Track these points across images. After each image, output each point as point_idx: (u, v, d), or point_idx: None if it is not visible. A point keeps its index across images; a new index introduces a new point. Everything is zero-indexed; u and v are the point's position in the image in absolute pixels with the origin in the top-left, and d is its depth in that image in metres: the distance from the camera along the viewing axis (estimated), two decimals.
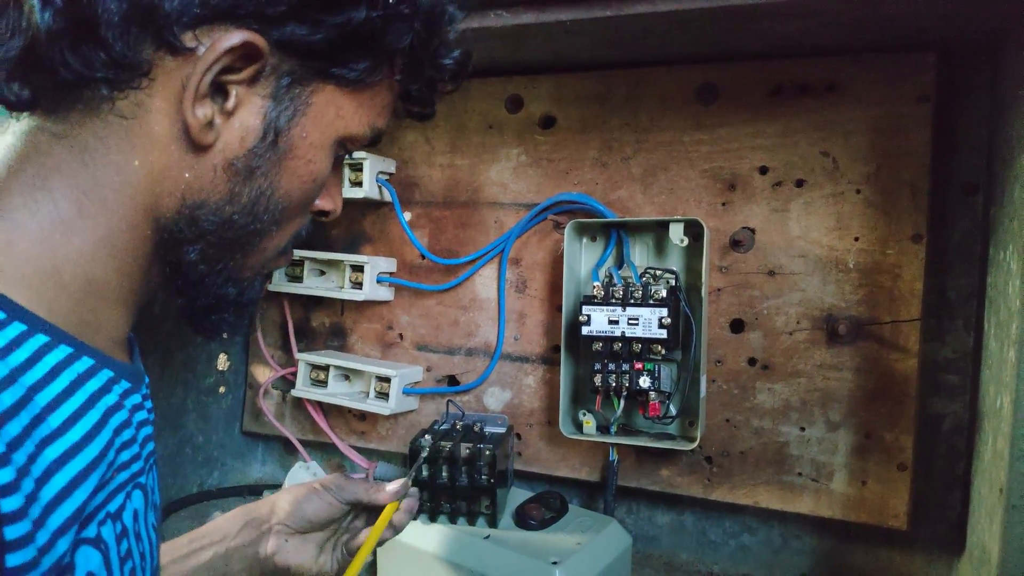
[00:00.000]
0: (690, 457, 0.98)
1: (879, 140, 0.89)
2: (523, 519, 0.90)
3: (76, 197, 0.43)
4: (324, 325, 1.21)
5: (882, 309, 0.89)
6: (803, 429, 0.93)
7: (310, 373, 1.16)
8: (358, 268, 1.10)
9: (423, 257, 1.11)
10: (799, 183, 0.93)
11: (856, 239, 0.91)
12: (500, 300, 1.07)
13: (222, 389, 1.25)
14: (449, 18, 0.52)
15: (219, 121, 0.45)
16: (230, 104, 0.44)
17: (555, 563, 0.81)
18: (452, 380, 1.11)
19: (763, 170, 0.95)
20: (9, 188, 0.42)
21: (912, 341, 0.88)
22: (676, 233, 0.92)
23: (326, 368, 1.14)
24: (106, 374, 0.44)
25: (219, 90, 0.44)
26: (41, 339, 0.40)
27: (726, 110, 0.96)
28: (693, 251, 0.95)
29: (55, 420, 0.39)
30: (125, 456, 0.46)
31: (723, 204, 0.97)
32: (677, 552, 1.04)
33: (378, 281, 1.11)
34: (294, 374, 1.16)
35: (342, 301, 1.18)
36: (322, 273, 1.16)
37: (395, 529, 0.73)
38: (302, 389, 1.15)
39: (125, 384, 0.47)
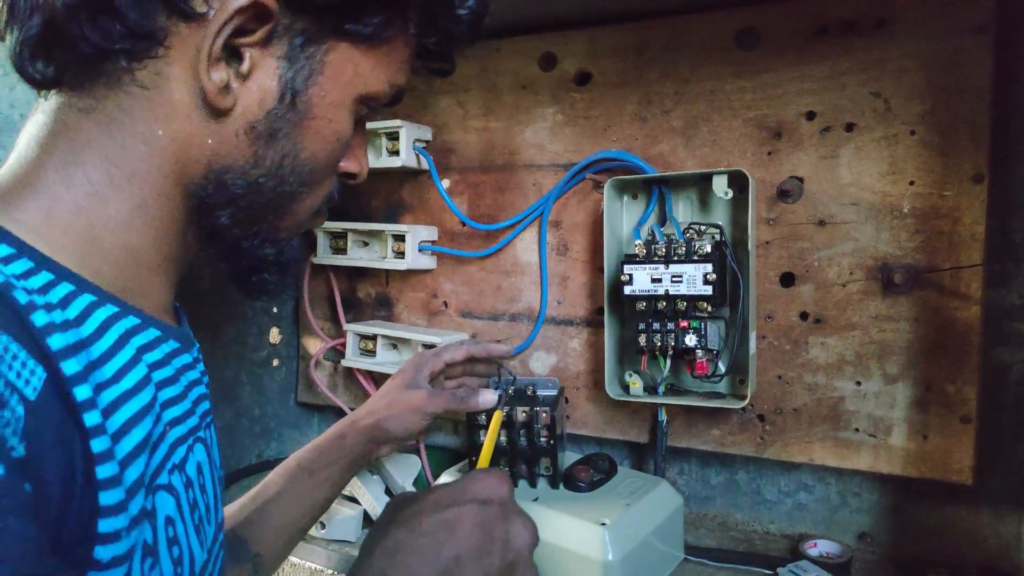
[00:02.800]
0: (741, 415, 0.96)
1: (934, 76, 0.84)
2: (572, 481, 0.89)
3: (107, 168, 0.44)
4: (370, 296, 1.22)
5: (941, 255, 0.85)
6: (859, 383, 0.89)
7: (359, 343, 1.17)
8: (399, 238, 1.10)
9: (463, 224, 1.10)
10: (849, 127, 0.89)
11: (911, 183, 0.86)
12: (542, 264, 1.06)
13: (275, 362, 1.28)
14: None
15: (236, 85, 0.45)
16: (245, 67, 0.45)
17: (603, 524, 0.80)
18: None
19: (810, 115, 0.91)
20: (43, 163, 0.43)
21: (974, 288, 0.83)
22: (720, 186, 0.89)
23: (374, 338, 1.15)
24: (152, 332, 0.46)
25: (234, 54, 0.44)
26: (88, 298, 0.41)
27: (769, 54, 0.92)
28: (739, 204, 0.91)
29: (109, 370, 0.41)
30: (176, 411, 0.47)
31: (769, 153, 0.93)
32: (731, 511, 1.03)
33: (420, 250, 1.11)
34: (344, 345, 1.18)
35: (386, 271, 1.18)
36: (365, 244, 1.17)
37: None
38: (352, 359, 1.16)
39: (173, 344, 0.49)
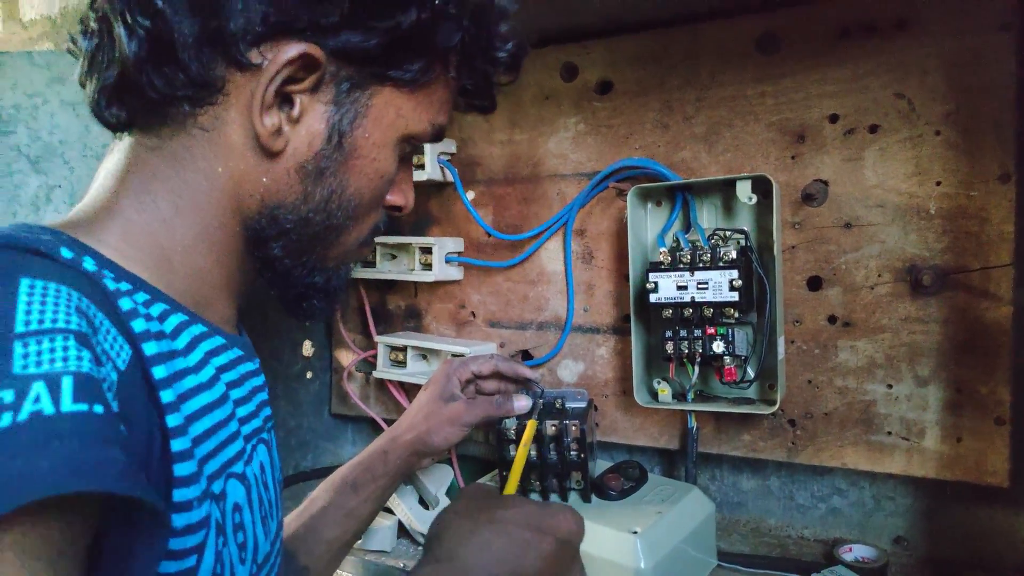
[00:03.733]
0: (772, 420, 0.95)
1: (957, 76, 0.83)
2: (602, 490, 0.90)
3: (173, 199, 0.49)
4: (400, 307, 1.24)
5: (969, 256, 0.84)
6: (890, 386, 0.89)
7: (389, 355, 1.19)
8: (427, 250, 1.11)
9: (488, 235, 1.11)
10: (873, 129, 0.88)
11: (938, 183, 0.85)
12: (567, 272, 1.07)
13: (309, 374, 1.30)
14: (500, 12, 0.55)
15: (287, 128, 0.49)
16: (296, 112, 0.49)
17: (635, 532, 0.80)
18: (525, 355, 1.12)
19: (833, 118, 0.90)
20: (120, 194, 0.48)
21: (1004, 288, 0.82)
22: (744, 191, 0.89)
23: (404, 349, 1.16)
24: (219, 340, 0.51)
25: (286, 100, 0.48)
26: (163, 306, 0.46)
27: (790, 59, 0.92)
28: (763, 209, 0.91)
29: (182, 363, 0.45)
30: (242, 411, 0.52)
31: (792, 157, 0.93)
32: (764, 517, 1.03)
33: (447, 261, 1.12)
34: (375, 356, 1.20)
35: (415, 283, 1.20)
36: (393, 257, 1.18)
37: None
38: (383, 370, 1.18)
39: (238, 351, 0.53)
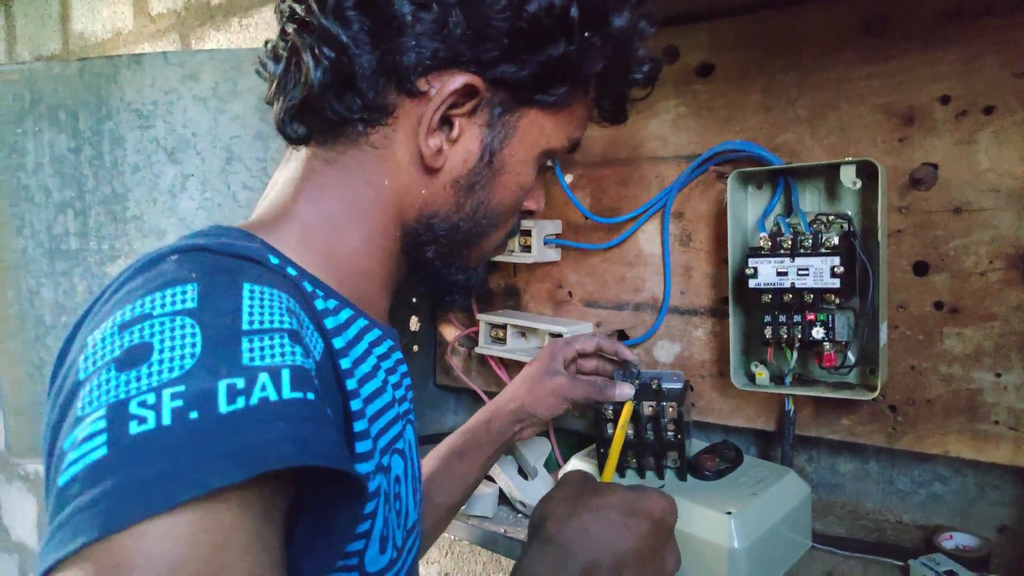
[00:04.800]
0: (872, 406, 0.95)
1: None
2: (697, 470, 0.92)
3: (344, 208, 0.55)
4: (500, 287, 1.28)
5: None
6: (999, 375, 0.87)
7: (490, 332, 1.24)
8: (526, 232, 1.15)
9: (586, 218, 1.14)
10: (987, 110, 0.85)
11: None
12: (665, 254, 1.08)
13: (416, 348, 1.37)
14: (640, 35, 0.59)
15: (446, 148, 0.55)
16: (455, 133, 0.55)
17: (729, 513, 0.83)
18: (621, 335, 1.15)
19: (944, 99, 0.88)
20: (297, 199, 0.55)
21: None
22: (848, 176, 0.88)
23: (504, 327, 1.21)
24: (377, 332, 0.57)
25: (446, 122, 0.54)
26: (335, 302, 0.52)
27: (898, 39, 0.90)
28: (868, 193, 0.90)
29: (356, 352, 0.52)
30: (398, 394, 0.59)
31: (900, 140, 0.91)
32: (862, 500, 1.03)
33: (545, 243, 1.16)
34: (477, 333, 1.25)
35: (514, 264, 1.24)
36: None
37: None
38: (484, 346, 1.23)
39: (390, 342, 0.60)
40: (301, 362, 0.40)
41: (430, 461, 0.88)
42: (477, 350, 1.24)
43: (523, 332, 1.21)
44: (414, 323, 1.36)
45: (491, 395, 1.32)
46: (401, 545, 0.55)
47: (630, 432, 0.89)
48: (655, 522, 0.54)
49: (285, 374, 0.38)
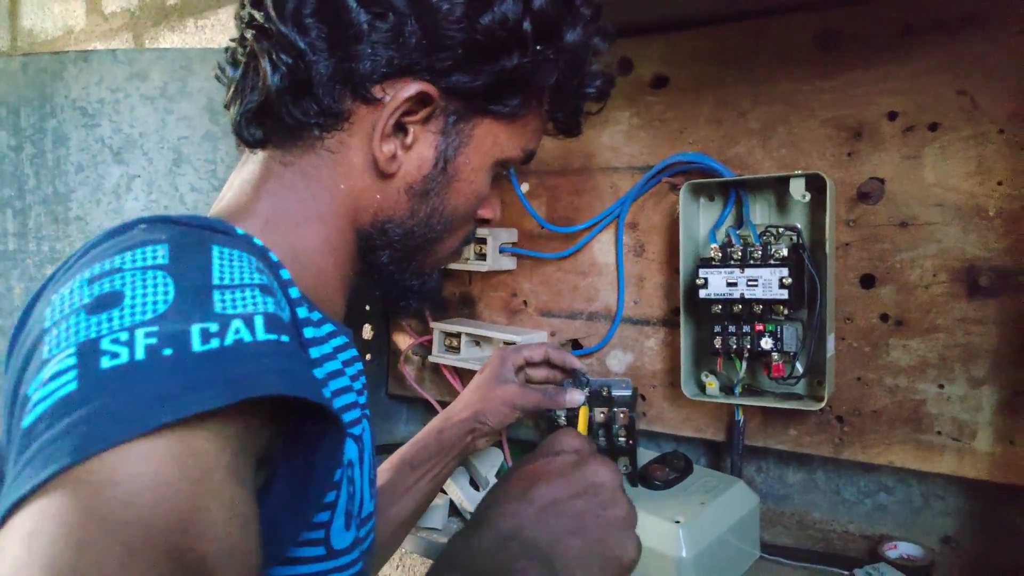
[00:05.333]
0: (819, 416, 0.96)
1: None
2: (647, 479, 0.92)
3: (302, 209, 0.56)
4: (455, 295, 1.27)
5: None
6: (942, 387, 0.88)
7: (444, 340, 1.22)
8: (481, 240, 1.14)
9: (541, 227, 1.13)
10: (933, 127, 0.87)
11: (999, 183, 0.84)
12: (619, 265, 1.08)
13: (368, 356, 1.35)
14: (594, 51, 0.61)
15: (401, 154, 0.56)
16: (409, 140, 0.56)
17: (678, 522, 0.82)
18: (575, 344, 1.14)
19: (892, 115, 0.90)
20: (258, 197, 0.56)
21: None
22: (797, 189, 0.89)
23: (458, 335, 1.20)
24: (330, 327, 0.57)
25: (400, 129, 0.55)
26: (296, 292, 0.52)
27: (850, 55, 0.91)
28: (817, 206, 0.91)
29: (315, 333, 0.52)
30: (357, 385, 0.58)
31: (849, 154, 0.93)
32: (809, 511, 1.03)
33: (500, 252, 1.15)
34: (430, 341, 1.24)
35: (469, 272, 1.23)
36: None
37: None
38: (438, 355, 1.22)
39: (344, 339, 0.59)
40: (274, 310, 0.40)
41: (382, 473, 0.85)
42: (431, 359, 1.23)
43: (477, 341, 1.20)
44: (367, 331, 1.34)
45: (444, 405, 1.30)
46: (359, 525, 0.54)
47: None
48: (594, 485, 0.51)
49: (258, 319, 0.38)
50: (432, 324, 1.23)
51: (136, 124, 1.05)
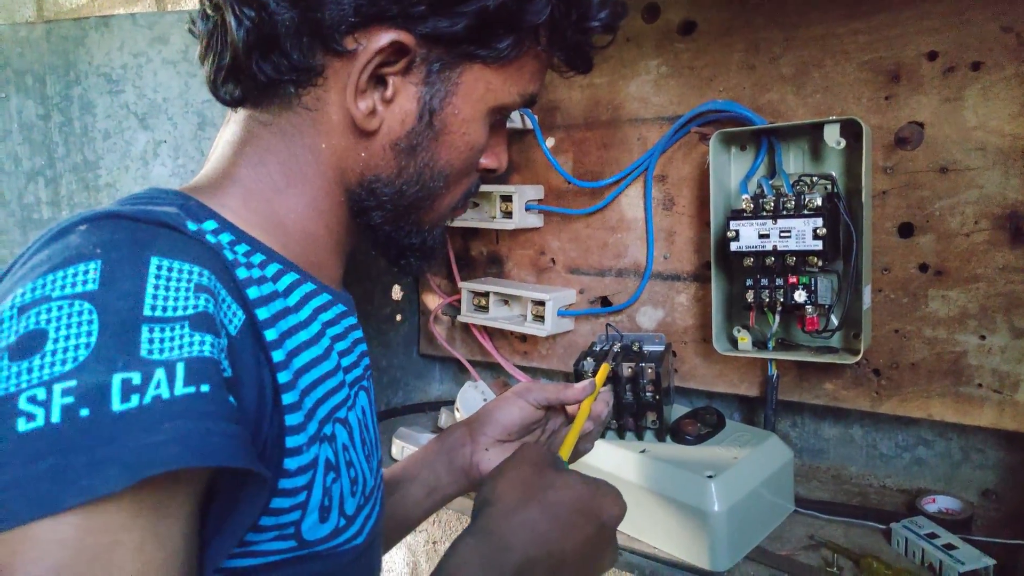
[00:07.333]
0: (855, 370, 0.94)
1: None
2: (679, 434, 0.91)
3: (284, 170, 0.53)
4: (482, 254, 1.26)
5: None
6: (983, 337, 0.86)
7: (472, 300, 1.22)
8: (507, 198, 1.13)
9: (568, 183, 1.11)
10: (975, 66, 0.83)
11: None
12: (647, 219, 1.06)
13: (399, 317, 1.35)
14: None
15: (381, 109, 0.52)
16: (389, 93, 0.51)
17: (710, 476, 0.82)
18: (604, 301, 1.13)
19: (931, 55, 0.86)
20: (238, 163, 0.53)
21: None
22: (831, 135, 0.86)
23: (486, 295, 1.19)
24: (326, 296, 0.55)
25: (380, 81, 0.51)
26: (277, 266, 0.51)
27: None
28: (852, 153, 0.88)
29: (293, 320, 0.50)
30: (346, 362, 0.56)
31: (886, 98, 0.89)
32: (846, 465, 1.02)
33: (527, 209, 1.14)
34: (459, 301, 1.23)
35: (496, 231, 1.22)
36: (475, 205, 1.21)
37: (596, 421, 0.74)
38: (467, 315, 1.22)
39: (342, 307, 0.58)
40: (199, 352, 0.39)
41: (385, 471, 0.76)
42: (460, 318, 1.23)
43: (506, 300, 1.20)
44: (396, 292, 1.34)
45: (475, 364, 1.31)
46: (354, 513, 0.53)
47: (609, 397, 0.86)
48: (602, 525, 0.53)
49: (180, 368, 0.37)
50: (460, 284, 1.22)
51: (160, 89, 1.05)
